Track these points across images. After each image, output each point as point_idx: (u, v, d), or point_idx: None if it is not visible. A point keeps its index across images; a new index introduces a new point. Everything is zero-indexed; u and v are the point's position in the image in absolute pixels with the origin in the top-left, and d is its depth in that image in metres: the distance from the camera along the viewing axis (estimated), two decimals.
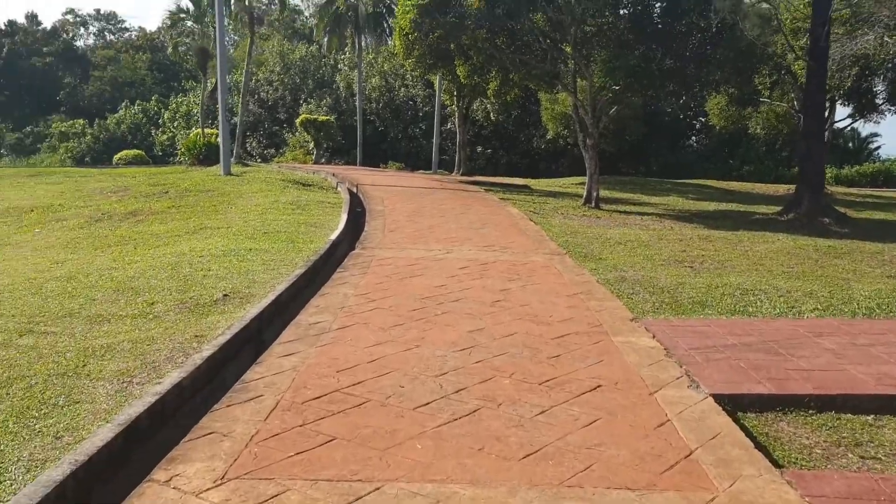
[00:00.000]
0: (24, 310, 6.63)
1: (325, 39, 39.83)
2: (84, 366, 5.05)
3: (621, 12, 17.17)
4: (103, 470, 3.65)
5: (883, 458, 3.93)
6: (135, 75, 75.26)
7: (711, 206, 19.76)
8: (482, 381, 4.70)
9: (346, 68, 47.30)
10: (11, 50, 77.03)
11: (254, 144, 47.57)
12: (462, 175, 29.43)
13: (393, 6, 30.22)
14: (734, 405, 4.50)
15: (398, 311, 6.43)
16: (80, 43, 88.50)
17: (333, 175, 21.95)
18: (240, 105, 30.84)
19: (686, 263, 9.84)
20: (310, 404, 4.25)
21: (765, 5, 15.67)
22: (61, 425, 4.08)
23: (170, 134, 54.37)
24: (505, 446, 3.76)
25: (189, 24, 33.83)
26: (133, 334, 5.79)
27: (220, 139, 21.68)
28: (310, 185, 18.97)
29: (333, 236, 10.53)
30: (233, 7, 27.57)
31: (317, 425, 3.95)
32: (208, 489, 3.28)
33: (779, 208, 17.31)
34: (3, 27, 78.94)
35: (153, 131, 58.15)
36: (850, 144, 42.59)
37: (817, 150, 16.02)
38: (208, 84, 32.91)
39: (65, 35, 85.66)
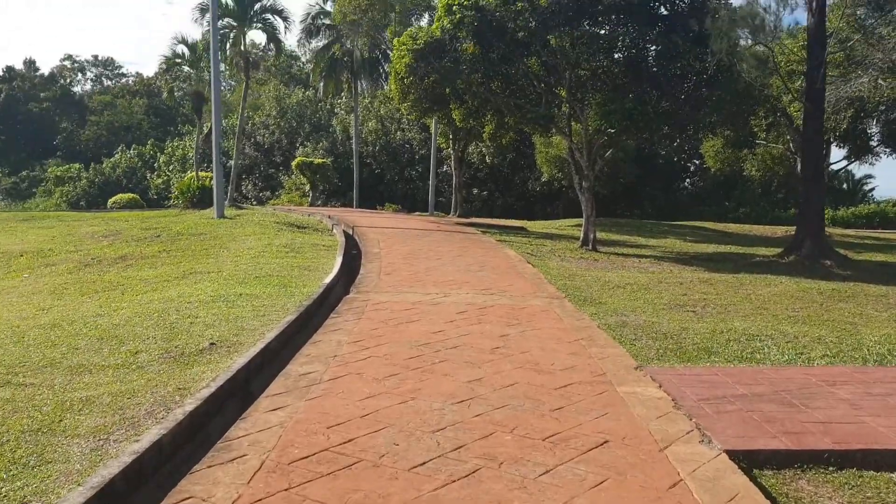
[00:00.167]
0: (3, 359, 6.35)
1: (322, 84, 40.07)
2: (60, 421, 4.77)
3: (616, 56, 17.23)
4: None
5: None
6: (131, 120, 75.72)
7: (710, 248, 19.60)
8: (482, 437, 4.42)
9: (342, 112, 47.62)
10: (9, 95, 77.52)
11: (249, 187, 47.63)
12: (458, 217, 29.35)
13: (388, 51, 30.44)
14: (749, 462, 4.23)
15: (393, 360, 6.16)
16: (77, 88, 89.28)
17: (329, 217, 21.80)
18: (234, 148, 30.82)
19: (688, 307, 9.61)
20: (297, 465, 3.96)
21: (760, 47, 15.68)
22: (29, 489, 3.79)
23: (165, 177, 54.45)
24: None
25: (185, 69, 34.01)
26: (114, 386, 5.51)
27: (213, 182, 21.54)
28: (305, 228, 18.78)
29: (328, 280, 10.28)
30: (228, 52, 27.74)
31: (303, 489, 3.67)
32: None
33: (779, 250, 17.15)
34: (2, 73, 79.53)
35: (148, 175, 58.26)
36: (845, 186, 42.77)
37: (816, 193, 15.92)
38: (204, 128, 32.95)
39: (62, 81, 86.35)
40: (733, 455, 4.23)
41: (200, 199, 26.41)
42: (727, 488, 3.78)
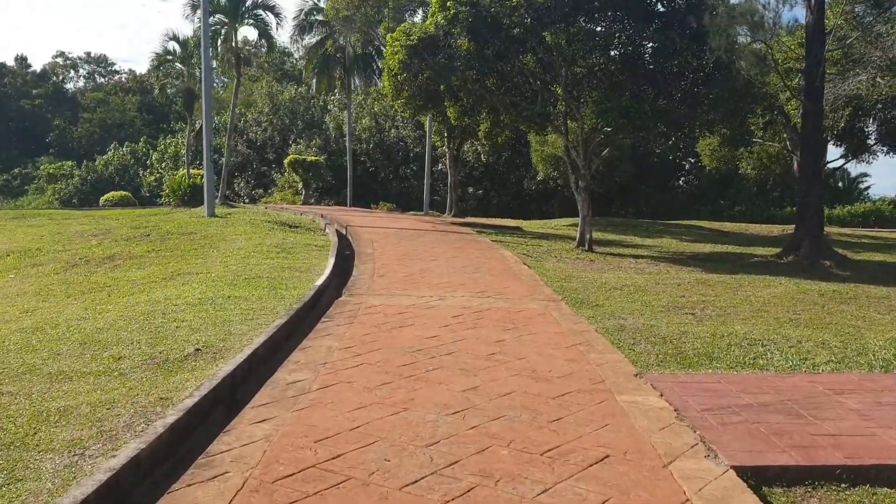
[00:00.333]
0: None
1: (314, 81, 39.78)
2: (34, 434, 4.54)
3: (612, 53, 17.03)
4: None
5: None
6: (124, 117, 75.26)
7: (706, 247, 19.43)
8: (477, 451, 4.21)
9: (335, 109, 47.33)
10: (0, 92, 76.92)
11: (242, 185, 47.31)
12: (454, 216, 29.11)
13: (382, 48, 30.18)
14: (758, 479, 4.03)
15: (386, 368, 5.94)
16: (69, 85, 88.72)
17: (322, 216, 21.55)
18: (226, 145, 30.53)
19: (686, 310, 9.42)
20: (281, 483, 3.74)
21: (759, 44, 15.47)
22: None
23: (157, 175, 54.10)
24: None
25: (178, 65, 33.68)
26: (94, 395, 5.28)
27: (204, 180, 21.28)
28: (297, 227, 18.54)
29: (319, 282, 10.05)
30: (219, 48, 27.45)
31: None
32: None
33: (776, 250, 16.98)
34: None
35: (141, 172, 57.91)
36: (840, 184, 42.67)
37: (815, 192, 15.74)
38: (195, 125, 32.65)
39: (55, 78, 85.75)
40: (741, 471, 4.03)
41: (192, 196, 26.15)
42: None
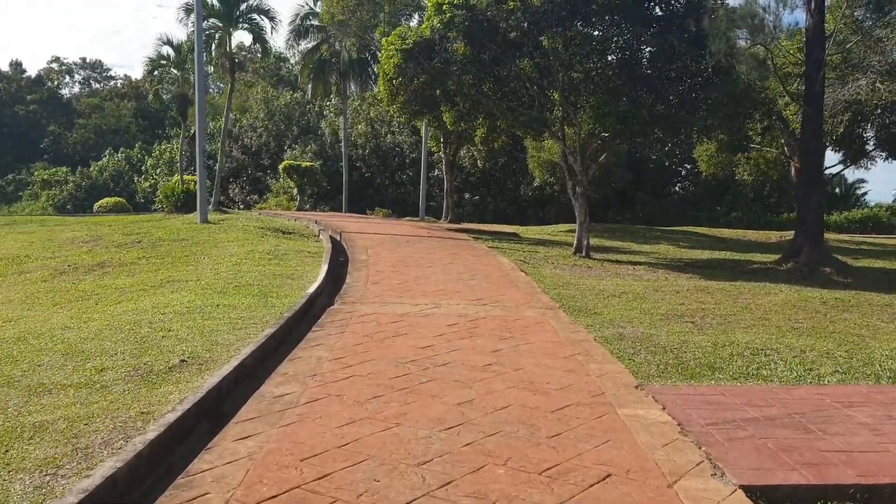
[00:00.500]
0: None
1: (310, 86, 39.59)
2: (6, 451, 4.32)
3: (609, 58, 16.86)
4: None
5: None
6: (119, 123, 74.97)
7: (704, 254, 19.25)
8: (472, 470, 3.99)
9: (331, 115, 47.16)
10: None
11: (237, 191, 47.11)
12: (450, 222, 28.92)
13: (378, 53, 30.01)
14: (768, 499, 3.82)
15: (377, 380, 5.73)
16: (65, 91, 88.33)
17: (316, 222, 21.33)
18: (220, 151, 30.30)
19: (686, 318, 9.22)
20: None
21: (758, 48, 15.30)
22: None
23: (152, 181, 53.84)
24: None
25: (172, 71, 33.44)
26: (72, 409, 5.06)
27: (197, 186, 21.05)
28: (290, 233, 18.31)
29: (311, 289, 9.84)
30: (213, 53, 27.23)
31: None
32: None
33: (775, 257, 16.80)
34: None
35: (136, 178, 57.62)
36: (837, 190, 42.59)
37: (815, 198, 15.54)
38: (190, 130, 32.44)
39: (50, 83, 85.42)
40: (750, 491, 3.82)
41: (185, 203, 25.91)
42: None
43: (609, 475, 3.98)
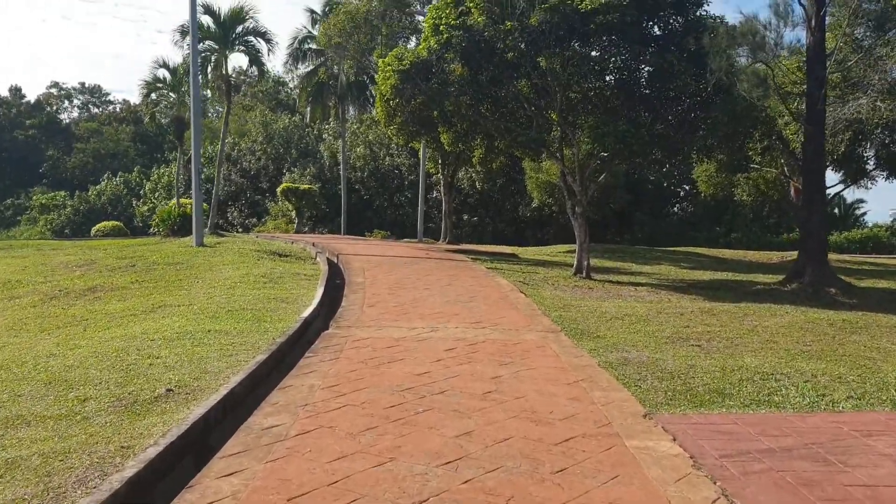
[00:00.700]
0: None
1: (308, 109, 39.55)
2: None
3: (607, 78, 16.73)
4: None
5: None
6: (118, 147, 74.98)
7: (706, 275, 19.00)
8: None
9: (330, 138, 47.13)
10: None
11: (235, 214, 46.95)
12: (448, 243, 28.68)
13: (375, 75, 29.99)
14: None
15: (371, 409, 5.46)
16: (63, 116, 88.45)
17: (314, 245, 21.09)
18: (216, 174, 30.14)
19: (692, 341, 8.96)
20: None
21: (760, 65, 15.15)
22: None
23: (150, 205, 53.67)
24: None
25: (170, 94, 33.38)
26: (49, 444, 4.79)
27: (192, 209, 20.84)
28: (287, 256, 18.06)
29: (306, 313, 9.58)
30: (210, 76, 27.14)
31: None
32: None
33: (778, 277, 16.55)
34: None
35: (134, 202, 57.47)
36: (836, 210, 42.43)
37: (817, 217, 15.32)
38: (187, 154, 32.33)
39: (49, 108, 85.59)
40: None
41: (181, 226, 25.71)
42: None
43: None
